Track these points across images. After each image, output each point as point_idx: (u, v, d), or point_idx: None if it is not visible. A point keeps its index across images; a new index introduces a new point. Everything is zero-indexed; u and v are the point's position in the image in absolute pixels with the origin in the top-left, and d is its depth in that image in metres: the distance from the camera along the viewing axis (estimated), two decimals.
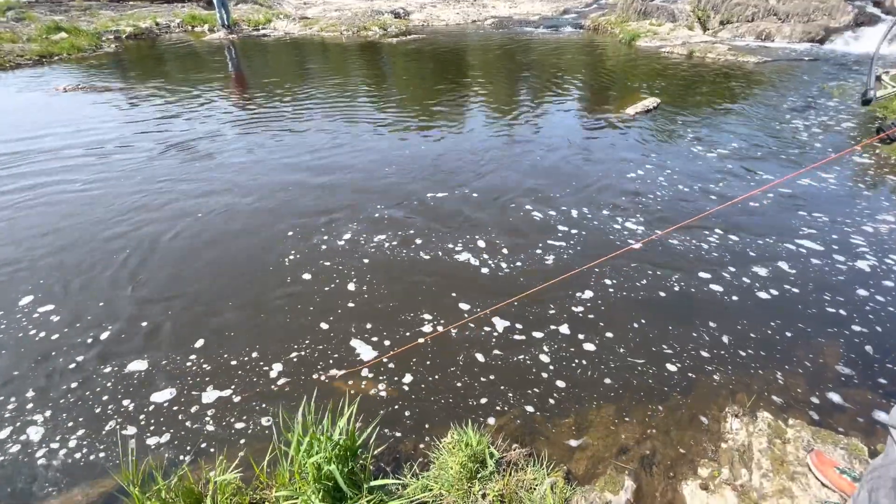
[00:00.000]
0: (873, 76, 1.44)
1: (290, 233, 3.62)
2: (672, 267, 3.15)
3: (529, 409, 2.14)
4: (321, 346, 2.53)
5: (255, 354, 2.47)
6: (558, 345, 2.52)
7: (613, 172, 4.66)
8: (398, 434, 2.03)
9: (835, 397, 2.18)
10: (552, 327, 2.64)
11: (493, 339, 2.56)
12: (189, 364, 2.41)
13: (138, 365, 2.40)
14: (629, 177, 4.55)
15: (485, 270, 3.16)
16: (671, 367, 2.35)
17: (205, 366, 2.40)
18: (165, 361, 2.43)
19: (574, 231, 3.61)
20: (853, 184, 4.40)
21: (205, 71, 9.82)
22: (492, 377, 2.32)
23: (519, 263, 3.22)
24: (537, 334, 2.58)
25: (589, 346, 2.50)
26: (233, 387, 2.27)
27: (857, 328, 2.57)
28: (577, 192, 4.25)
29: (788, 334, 2.56)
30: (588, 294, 2.90)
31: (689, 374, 2.31)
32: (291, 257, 3.30)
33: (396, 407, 2.16)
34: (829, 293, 2.87)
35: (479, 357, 2.44)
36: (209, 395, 2.22)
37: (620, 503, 1.65)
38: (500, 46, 12.84)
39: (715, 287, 2.94)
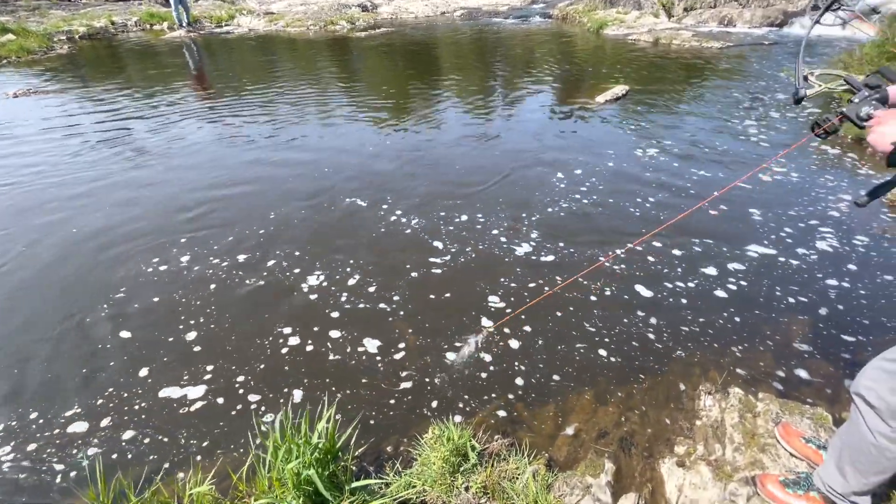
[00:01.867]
0: (801, 75, 1.45)
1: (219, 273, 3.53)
2: (643, 260, 3.21)
3: (511, 399, 2.16)
4: (287, 349, 2.49)
5: (225, 357, 2.41)
6: (533, 336, 2.54)
7: (580, 167, 4.70)
8: (381, 433, 2.01)
9: (800, 371, 2.26)
10: (523, 319, 2.66)
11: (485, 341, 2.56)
12: (164, 361, 2.33)
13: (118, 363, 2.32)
14: (595, 172, 4.61)
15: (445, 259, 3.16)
16: (646, 352, 2.40)
17: (176, 366, 2.32)
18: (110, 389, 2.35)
19: (543, 232, 3.64)
20: (809, 172, 4.55)
21: (165, 71, 9.48)
22: (474, 371, 2.32)
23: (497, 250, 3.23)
24: (516, 327, 2.60)
25: (565, 335, 2.53)
26: (208, 392, 2.21)
27: (821, 309, 2.66)
28: (551, 195, 4.28)
29: (757, 313, 2.64)
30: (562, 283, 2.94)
31: (664, 358, 2.36)
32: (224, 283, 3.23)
33: (379, 406, 2.14)
34: (792, 277, 2.97)
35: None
36: (182, 401, 2.16)
37: (601, 485, 1.68)
38: (471, 38, 12.80)
39: (686, 278, 3.01)
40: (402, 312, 2.73)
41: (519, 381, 2.25)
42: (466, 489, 1.64)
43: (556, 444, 1.94)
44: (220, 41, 12.97)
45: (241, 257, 3.27)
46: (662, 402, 2.11)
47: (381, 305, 2.79)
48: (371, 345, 2.49)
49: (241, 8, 16.74)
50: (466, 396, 2.18)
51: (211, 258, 3.27)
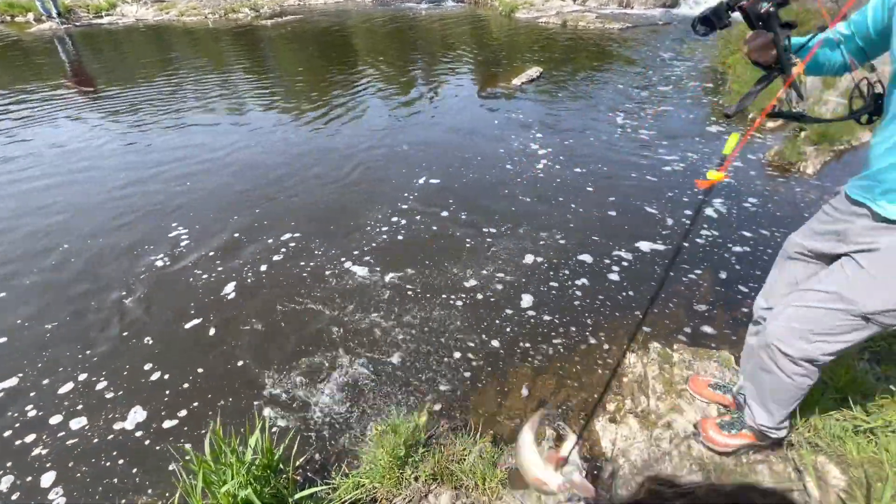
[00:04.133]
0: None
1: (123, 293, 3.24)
2: (566, 236, 3.38)
3: (454, 383, 2.19)
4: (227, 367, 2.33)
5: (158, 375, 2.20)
6: (469, 315, 2.58)
7: (500, 152, 4.82)
8: (326, 438, 1.95)
9: (706, 325, 2.51)
10: (453, 300, 2.70)
11: (402, 327, 2.55)
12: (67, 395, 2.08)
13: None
14: (517, 152, 4.75)
15: (397, 237, 3.12)
16: (578, 324, 2.53)
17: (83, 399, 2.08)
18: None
19: (466, 212, 3.70)
20: (693, 142, 5.02)
21: (32, 70, 8.29)
22: (413, 362, 2.32)
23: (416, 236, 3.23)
24: (445, 299, 2.63)
25: (502, 313, 2.60)
26: (138, 419, 2.01)
27: (721, 272, 2.94)
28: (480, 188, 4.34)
29: (671, 277, 2.88)
30: (494, 257, 3.01)
31: (593, 327, 2.51)
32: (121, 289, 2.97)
33: (320, 410, 2.07)
34: (695, 243, 3.27)
35: (400, 337, 2.42)
36: (108, 431, 1.94)
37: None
38: (387, 25, 12.53)
39: (602, 256, 3.21)
40: (327, 311, 2.65)
41: (460, 365, 2.28)
42: (416, 479, 1.65)
43: (501, 420, 2.00)
44: (103, 34, 11.56)
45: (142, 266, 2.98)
46: (594, 367, 2.25)
47: (292, 306, 2.69)
48: (294, 349, 2.40)
49: None
50: (408, 388, 2.17)
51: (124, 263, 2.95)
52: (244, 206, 3.75)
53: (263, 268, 3.03)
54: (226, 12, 13.29)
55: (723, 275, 2.88)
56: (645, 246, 3.14)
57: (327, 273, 2.96)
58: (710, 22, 1.27)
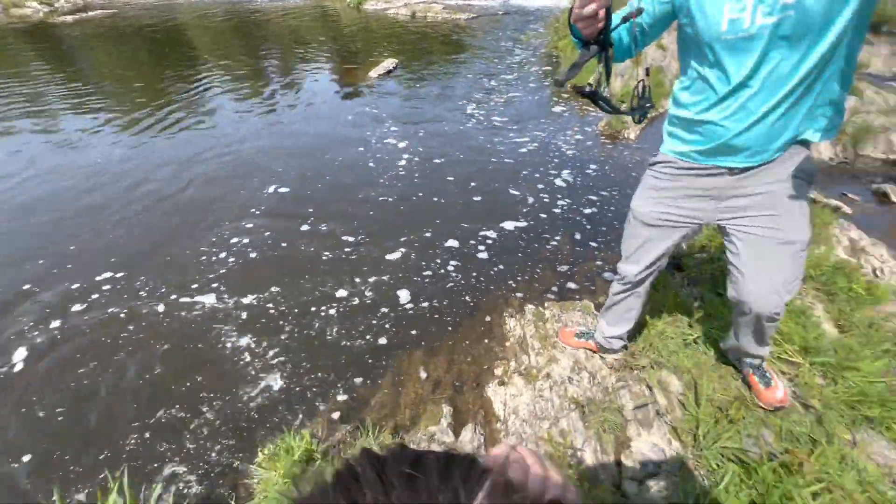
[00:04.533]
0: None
1: None
2: (432, 229, 3.48)
3: (346, 384, 2.13)
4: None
5: None
6: (347, 322, 2.54)
7: (362, 145, 4.77)
8: (206, 483, 1.75)
9: (570, 280, 2.82)
10: (325, 311, 2.63)
11: (275, 348, 2.41)
12: None
13: None
14: (367, 141, 4.75)
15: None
16: (459, 303, 2.64)
17: None
18: None
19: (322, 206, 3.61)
20: (546, 125, 5.57)
21: None
22: (294, 379, 2.20)
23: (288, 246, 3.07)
24: (317, 311, 2.54)
25: (381, 312, 2.60)
26: None
27: (575, 233, 3.29)
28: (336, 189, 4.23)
29: (535, 246, 3.17)
30: (360, 262, 2.98)
31: (473, 302, 2.64)
32: None
33: (185, 465, 1.85)
34: (553, 213, 3.63)
35: (275, 360, 2.27)
36: None
37: (443, 429, 1.82)
38: (225, 19, 11.38)
39: (479, 235, 3.39)
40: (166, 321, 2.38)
41: (349, 370, 2.22)
42: None
43: (399, 410, 2.01)
44: None
45: None
46: (480, 338, 2.38)
47: (143, 310, 2.38)
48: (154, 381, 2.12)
49: None
50: (298, 406, 2.06)
51: None
52: (41, 248, 3.06)
53: (60, 323, 2.46)
54: (6, 7, 10.79)
55: (578, 236, 3.25)
56: (509, 225, 3.33)
57: (160, 309, 2.54)
58: None
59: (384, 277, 2.81)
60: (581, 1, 1.00)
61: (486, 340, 2.36)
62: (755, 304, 1.41)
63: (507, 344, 2.29)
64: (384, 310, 2.57)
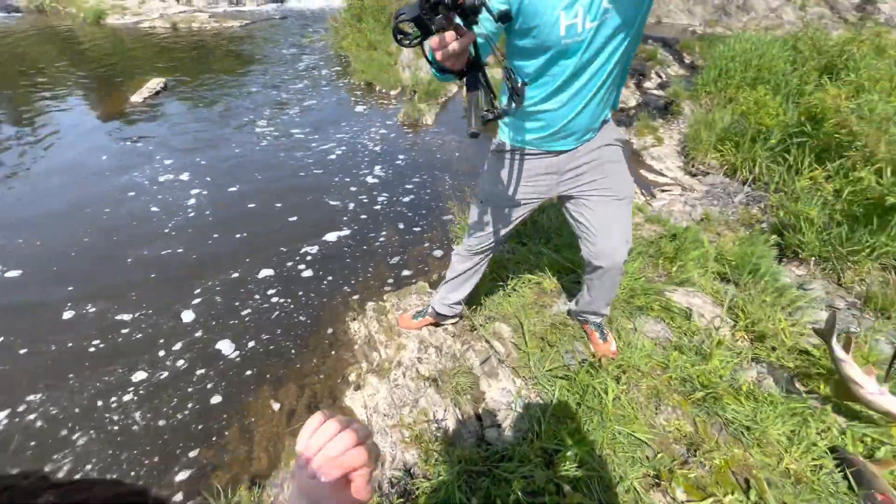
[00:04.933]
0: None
1: None
2: (240, 266, 3.22)
3: (189, 460, 1.83)
4: None
5: None
6: (158, 401, 2.20)
7: (115, 183, 4.11)
8: None
9: (403, 268, 2.91)
10: (128, 398, 2.26)
11: (71, 446, 1.96)
12: None
13: None
14: (138, 184, 4.15)
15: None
16: (293, 327, 2.49)
17: None
18: None
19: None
20: (348, 126, 5.58)
21: None
22: (112, 467, 1.81)
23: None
24: (118, 401, 2.15)
25: (201, 374, 2.31)
26: None
27: (399, 223, 3.41)
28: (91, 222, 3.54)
29: (365, 248, 3.17)
30: (154, 336, 2.61)
31: (309, 321, 2.52)
32: None
33: None
34: (376, 214, 3.67)
35: (66, 469, 1.83)
36: None
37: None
38: None
39: (300, 254, 3.23)
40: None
41: (183, 441, 1.92)
42: None
43: (255, 458, 1.82)
44: None
45: None
46: (326, 352, 2.30)
47: None
48: None
49: None
50: (142, 462, 1.70)
51: None
52: None
53: None
54: None
55: (402, 226, 3.36)
56: (332, 236, 3.19)
57: None
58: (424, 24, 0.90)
59: (194, 337, 2.38)
60: (440, 43, 0.90)
61: (333, 352, 2.29)
62: (610, 258, 1.62)
63: (356, 347, 2.27)
64: (203, 370, 2.20)
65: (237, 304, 2.60)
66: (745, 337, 2.11)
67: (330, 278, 2.81)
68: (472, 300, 2.31)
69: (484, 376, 1.98)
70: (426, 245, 3.14)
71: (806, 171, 3.14)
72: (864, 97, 3.14)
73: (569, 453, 1.58)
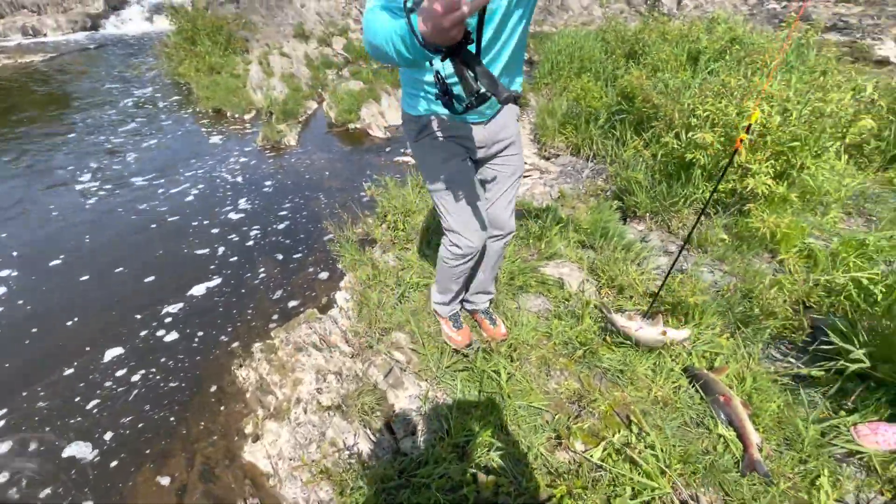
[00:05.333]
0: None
1: None
2: (80, 354, 2.77)
3: None
4: None
5: None
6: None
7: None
8: None
9: (290, 299, 2.75)
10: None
11: None
12: None
13: None
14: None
15: None
16: (167, 396, 2.20)
17: None
18: None
19: None
20: (204, 154, 5.10)
21: None
22: None
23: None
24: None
25: (57, 472, 1.94)
26: None
27: (278, 254, 3.22)
28: None
29: (234, 281, 2.92)
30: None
31: (185, 387, 2.26)
32: None
33: None
34: (248, 247, 3.40)
35: None
36: None
37: None
38: None
39: (159, 318, 2.86)
40: None
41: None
42: None
43: None
44: None
45: None
46: (214, 410, 2.08)
47: None
48: None
49: None
50: None
51: None
52: None
53: None
54: None
55: (280, 256, 3.17)
56: (199, 288, 2.85)
57: None
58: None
59: (28, 458, 1.93)
60: (449, 6, 0.85)
61: (222, 407, 2.07)
62: (505, 227, 1.75)
63: (248, 395, 2.09)
64: (54, 489, 1.79)
65: (78, 399, 2.15)
66: (609, 293, 2.41)
67: (201, 333, 2.51)
68: (362, 314, 2.28)
69: (390, 388, 1.97)
70: (310, 270, 3.01)
71: (630, 143, 3.69)
72: (658, 76, 3.78)
73: (478, 440, 1.65)
